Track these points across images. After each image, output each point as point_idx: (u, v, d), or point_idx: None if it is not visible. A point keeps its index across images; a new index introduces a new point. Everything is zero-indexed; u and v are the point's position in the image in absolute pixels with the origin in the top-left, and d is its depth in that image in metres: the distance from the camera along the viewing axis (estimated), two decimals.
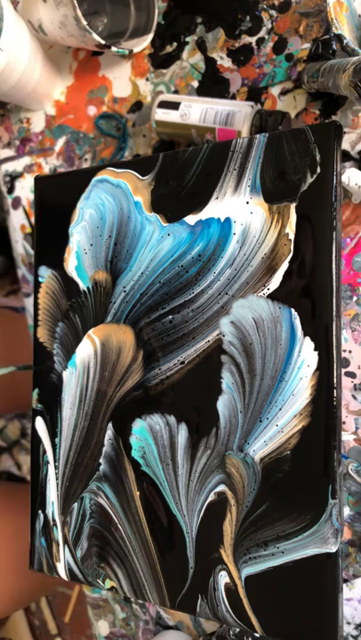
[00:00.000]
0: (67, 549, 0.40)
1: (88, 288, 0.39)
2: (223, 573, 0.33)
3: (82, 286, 0.40)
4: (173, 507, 0.35)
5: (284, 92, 0.42)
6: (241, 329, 0.33)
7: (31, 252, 0.57)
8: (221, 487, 0.34)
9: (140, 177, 0.37)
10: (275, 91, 0.43)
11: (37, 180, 0.43)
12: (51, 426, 0.41)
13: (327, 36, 0.40)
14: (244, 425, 0.33)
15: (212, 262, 0.34)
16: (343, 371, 0.39)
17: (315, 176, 0.31)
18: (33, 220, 0.56)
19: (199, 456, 0.34)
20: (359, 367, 0.39)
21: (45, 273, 0.42)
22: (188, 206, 0.35)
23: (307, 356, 0.31)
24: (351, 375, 0.39)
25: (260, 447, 0.32)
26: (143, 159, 0.38)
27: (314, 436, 0.31)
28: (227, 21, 0.45)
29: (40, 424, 0.41)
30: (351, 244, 0.39)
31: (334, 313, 0.31)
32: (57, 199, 0.42)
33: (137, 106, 0.50)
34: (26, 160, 0.57)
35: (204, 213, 0.35)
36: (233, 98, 0.45)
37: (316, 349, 0.31)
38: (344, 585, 0.39)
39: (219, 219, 0.34)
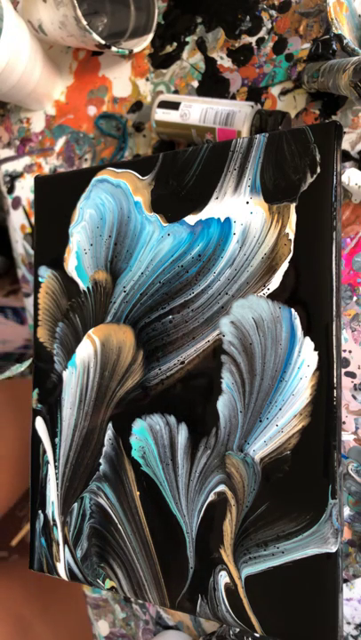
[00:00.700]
0: (67, 549, 0.40)
1: (88, 288, 0.39)
2: (223, 573, 0.33)
3: (82, 286, 0.40)
4: (173, 507, 0.35)
5: (284, 92, 0.42)
6: (241, 329, 0.33)
7: (31, 252, 0.57)
8: (221, 487, 0.34)
9: (140, 177, 0.37)
10: (275, 91, 0.43)
11: (37, 179, 0.43)
12: (51, 426, 0.41)
13: (327, 36, 0.40)
14: (244, 425, 0.33)
15: (212, 262, 0.34)
16: (343, 371, 0.39)
17: (315, 176, 0.31)
18: (33, 219, 0.56)
19: (199, 456, 0.34)
20: (359, 367, 0.39)
21: (45, 273, 0.42)
22: (188, 206, 0.35)
23: (307, 355, 0.31)
24: (351, 375, 0.39)
25: (260, 447, 0.32)
26: (143, 159, 0.38)
27: (314, 436, 0.31)
28: (227, 21, 0.45)
29: (40, 424, 0.41)
30: (351, 244, 0.39)
31: (334, 313, 0.31)
32: (57, 199, 0.42)
33: (137, 106, 0.50)
34: (26, 160, 0.57)
35: (204, 213, 0.35)
36: (233, 98, 0.45)
37: (316, 349, 0.31)
38: (344, 585, 0.39)
39: (219, 219, 0.34)
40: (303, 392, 0.31)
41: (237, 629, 0.41)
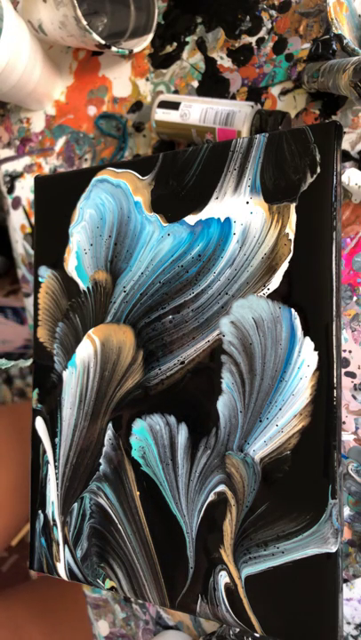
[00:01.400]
0: (67, 549, 0.40)
1: (88, 288, 0.39)
2: (223, 573, 0.33)
3: (82, 286, 0.40)
4: (173, 507, 0.35)
5: (284, 92, 0.42)
6: (241, 329, 0.33)
7: (31, 252, 0.57)
8: (221, 487, 0.34)
9: (140, 177, 0.37)
10: (275, 91, 0.43)
11: (37, 179, 0.43)
12: (51, 426, 0.41)
13: (327, 36, 0.40)
14: (244, 425, 0.33)
15: (212, 262, 0.34)
16: (343, 371, 0.39)
17: (315, 176, 0.31)
18: (33, 219, 0.56)
19: (199, 456, 0.34)
20: (359, 367, 0.39)
21: (45, 273, 0.42)
22: (188, 206, 0.35)
23: (307, 355, 0.31)
24: (351, 375, 0.39)
25: (260, 447, 0.32)
26: (143, 159, 0.38)
27: (314, 436, 0.31)
28: (227, 21, 0.45)
29: (40, 424, 0.41)
30: (351, 244, 0.39)
31: (334, 313, 0.31)
32: (57, 199, 0.42)
33: (137, 106, 0.50)
34: (26, 160, 0.57)
35: (204, 213, 0.35)
36: (233, 98, 0.45)
37: (316, 349, 0.31)
38: (344, 585, 0.39)
39: (219, 219, 0.34)
40: (303, 392, 0.31)
41: (237, 629, 0.41)
